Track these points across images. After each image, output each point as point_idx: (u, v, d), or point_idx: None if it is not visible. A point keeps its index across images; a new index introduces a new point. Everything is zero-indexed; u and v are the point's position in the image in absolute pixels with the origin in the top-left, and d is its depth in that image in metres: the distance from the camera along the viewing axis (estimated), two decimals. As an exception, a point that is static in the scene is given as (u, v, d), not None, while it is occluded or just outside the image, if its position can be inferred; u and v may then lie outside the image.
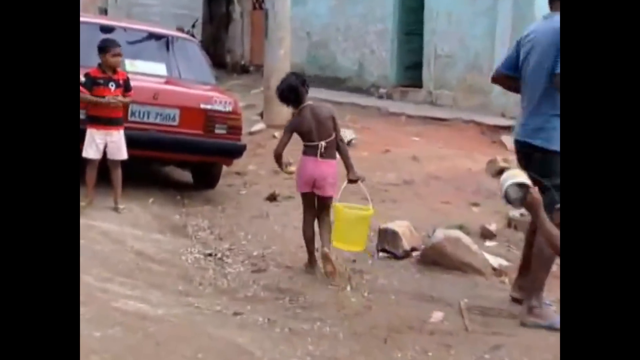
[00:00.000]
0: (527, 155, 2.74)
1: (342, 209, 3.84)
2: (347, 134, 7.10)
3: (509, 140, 7.48)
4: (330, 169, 3.86)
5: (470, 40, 8.94)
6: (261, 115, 8.16)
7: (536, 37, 2.73)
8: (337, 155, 3.85)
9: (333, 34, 11.65)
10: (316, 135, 3.83)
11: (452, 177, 5.61)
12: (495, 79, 3.14)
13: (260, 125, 7.76)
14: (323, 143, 3.81)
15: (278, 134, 7.65)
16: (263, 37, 8.35)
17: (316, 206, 3.84)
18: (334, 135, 3.85)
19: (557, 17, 2.59)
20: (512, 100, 8.27)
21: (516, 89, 2.99)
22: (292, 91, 3.92)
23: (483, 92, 8.72)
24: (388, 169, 5.95)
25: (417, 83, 10.19)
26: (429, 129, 8.26)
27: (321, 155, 3.81)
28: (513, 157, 6.15)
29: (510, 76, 2.95)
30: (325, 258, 3.71)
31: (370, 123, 8.52)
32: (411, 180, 5.61)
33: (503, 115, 8.44)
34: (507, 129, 7.82)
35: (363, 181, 3.91)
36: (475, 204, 5.09)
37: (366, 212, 3.87)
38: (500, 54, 8.40)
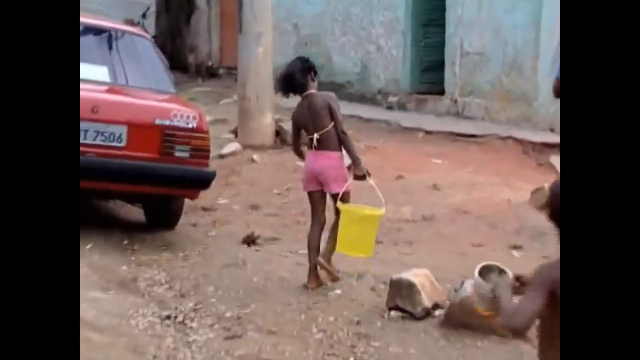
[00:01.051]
0: None
1: (345, 208, 4.34)
2: (345, 157, 7.23)
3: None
4: (328, 161, 4.43)
5: (507, 32, 9.17)
6: (235, 132, 8.26)
7: None
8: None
9: (328, 26, 11.92)
10: (312, 127, 4.45)
11: (486, 212, 5.71)
12: (557, 91, 3.07)
13: (233, 146, 7.82)
14: (316, 135, 4.40)
15: (257, 156, 7.80)
16: (236, 32, 8.52)
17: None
18: (330, 126, 4.40)
19: None
20: (563, 110, 8.41)
21: None
22: (287, 79, 4.49)
23: (525, 99, 8.93)
24: (401, 201, 6.05)
25: (438, 89, 10.40)
26: (455, 149, 8.41)
27: (316, 148, 4.41)
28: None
29: None
30: (321, 267, 4.37)
31: (378, 141, 8.66)
32: (431, 216, 5.69)
33: (552, 130, 8.60)
34: (558, 147, 8.00)
35: (370, 176, 4.49)
36: (517, 247, 5.19)
37: (374, 211, 4.39)
38: (548, 49, 8.67)
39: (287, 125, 8.08)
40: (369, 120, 10.05)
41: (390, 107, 11.05)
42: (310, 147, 4.51)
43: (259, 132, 7.96)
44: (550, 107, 8.30)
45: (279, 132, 8.10)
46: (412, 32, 10.72)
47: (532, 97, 8.83)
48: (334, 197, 4.46)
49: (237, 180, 6.96)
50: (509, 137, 8.29)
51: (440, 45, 10.20)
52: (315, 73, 4.58)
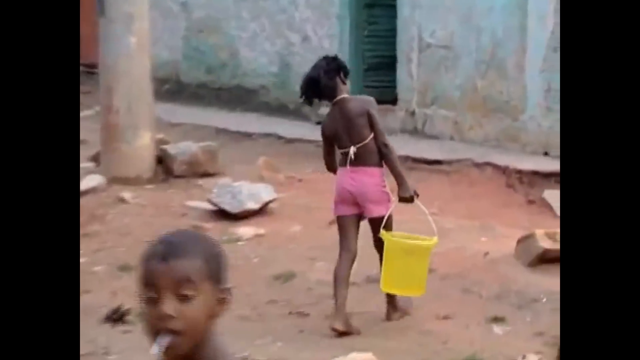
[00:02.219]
0: None
1: (390, 238, 4.95)
2: (261, 193, 7.26)
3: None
4: (369, 179, 5.05)
5: (482, 17, 9.39)
6: (96, 159, 8.14)
7: None
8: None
9: (231, 6, 11.98)
10: (347, 138, 5.08)
11: (456, 270, 5.77)
12: None
13: (94, 179, 7.67)
14: (353, 148, 5.01)
15: (129, 194, 7.66)
16: (95, 15, 8.45)
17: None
18: (369, 138, 5.03)
19: None
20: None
21: None
22: (312, 84, 5.14)
23: (509, 110, 9.15)
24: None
25: (389, 96, 10.55)
26: (413, 180, 8.45)
27: (352, 164, 5.03)
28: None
29: None
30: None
31: (303, 170, 8.68)
32: (378, 280, 5.73)
33: (546, 154, 8.82)
34: (556, 177, 8.16)
35: (418, 198, 5.15)
36: (498, 320, 5.23)
37: (426, 242, 5.03)
38: (538, 41, 8.95)
39: (175, 149, 8.04)
40: (291, 141, 10.10)
41: (321, 122, 11.14)
42: (343, 163, 5.11)
43: (132, 159, 7.84)
44: (543, 121, 8.53)
45: (161, 159, 8.02)
46: (352, 16, 10.89)
47: (518, 107, 9.04)
48: (375, 222, 5.08)
49: (100, 229, 6.83)
50: (487, 164, 8.43)
51: (391, 34, 10.39)
52: (346, 74, 5.21)
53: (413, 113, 10.17)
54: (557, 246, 5.56)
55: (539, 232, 5.70)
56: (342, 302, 5.01)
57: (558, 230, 5.77)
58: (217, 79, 11.88)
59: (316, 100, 5.31)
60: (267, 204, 7.07)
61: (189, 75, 12.25)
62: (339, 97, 5.13)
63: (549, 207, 7.38)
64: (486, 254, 5.98)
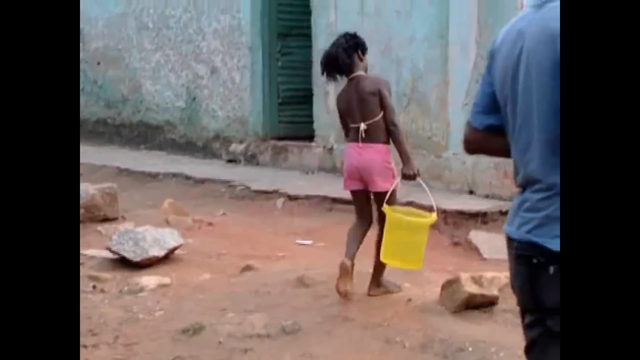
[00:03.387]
0: (532, 269, 2.89)
1: (392, 213, 5.57)
2: (167, 238, 7.19)
3: (488, 241, 7.84)
4: (376, 155, 5.73)
5: (402, 47, 9.61)
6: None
7: (524, 44, 2.89)
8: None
9: (133, 35, 11.93)
10: (358, 115, 5.77)
11: (377, 318, 5.79)
12: (471, 144, 3.13)
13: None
14: (363, 125, 5.72)
15: None
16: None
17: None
18: (379, 116, 5.71)
19: (556, 4, 2.77)
20: (487, 164, 8.87)
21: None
22: (330, 60, 5.87)
23: (431, 146, 9.30)
24: (250, 304, 6.05)
25: (306, 132, 10.63)
26: (332, 222, 8.50)
27: (362, 140, 5.73)
28: (499, 274, 6.55)
29: (495, 130, 3.00)
30: (343, 271, 5.75)
31: (214, 213, 8.65)
32: (296, 327, 5.72)
33: (471, 192, 9.04)
34: (483, 217, 8.36)
35: (420, 176, 5.78)
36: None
37: (425, 219, 5.68)
38: (461, 72, 9.12)
39: None
40: (200, 181, 10.08)
41: (233, 160, 11.16)
42: (354, 138, 5.80)
43: None
44: (467, 159, 8.67)
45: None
46: (264, 47, 10.97)
47: (441, 143, 9.20)
48: (379, 197, 5.80)
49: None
50: (410, 203, 8.50)
51: (307, 66, 10.48)
52: (364, 51, 5.87)
53: (331, 150, 10.26)
54: (483, 291, 5.64)
55: (464, 277, 5.72)
56: (349, 258, 5.81)
57: (484, 273, 5.86)
58: (118, 114, 11.83)
59: (338, 77, 5.97)
60: (173, 250, 7.01)
61: (86, 111, 12.15)
62: (354, 74, 5.82)
63: (475, 249, 7.49)
64: (409, 300, 6.02)
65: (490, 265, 6.81)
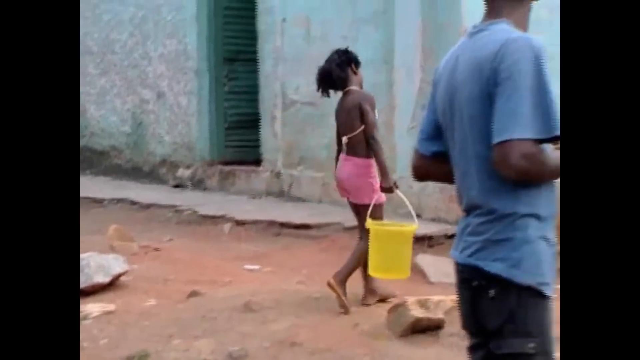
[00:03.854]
0: (473, 292, 2.84)
1: (374, 226, 5.75)
2: (111, 264, 7.14)
3: (434, 264, 7.90)
4: (353, 168, 6.04)
5: (347, 73, 9.65)
6: None
7: (457, 72, 2.92)
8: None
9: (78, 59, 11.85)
10: (343, 128, 6.13)
11: (324, 343, 5.79)
12: (419, 170, 3.15)
13: None
14: (345, 138, 6.08)
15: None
16: None
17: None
18: (359, 129, 6.00)
19: (492, 31, 2.82)
20: (433, 188, 8.91)
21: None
22: (324, 75, 6.15)
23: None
24: (196, 331, 6.02)
25: (253, 156, 10.64)
26: (279, 247, 8.52)
27: (345, 152, 6.10)
28: (445, 298, 6.58)
29: (441, 156, 3.01)
30: (330, 288, 6.04)
31: (160, 239, 8.60)
32: (243, 354, 5.69)
33: (418, 216, 8.97)
34: (429, 241, 8.42)
35: (398, 188, 6.04)
36: (370, 396, 5.30)
37: (406, 227, 5.87)
38: (404, 96, 9.19)
39: None
40: (146, 206, 10.03)
41: (180, 186, 11.12)
42: (342, 150, 6.13)
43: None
44: (414, 183, 8.70)
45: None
46: (210, 71, 10.98)
47: (388, 167, 9.23)
48: (358, 209, 6.11)
49: None
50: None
51: (253, 90, 10.51)
52: (357, 65, 6.17)
53: (279, 174, 10.27)
54: (429, 315, 5.66)
55: (411, 300, 5.75)
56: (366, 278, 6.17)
57: (430, 297, 5.89)
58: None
59: (332, 92, 6.24)
60: (118, 276, 6.96)
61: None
62: (348, 88, 6.13)
63: (421, 272, 7.52)
64: (356, 325, 6.03)
65: (437, 289, 6.85)
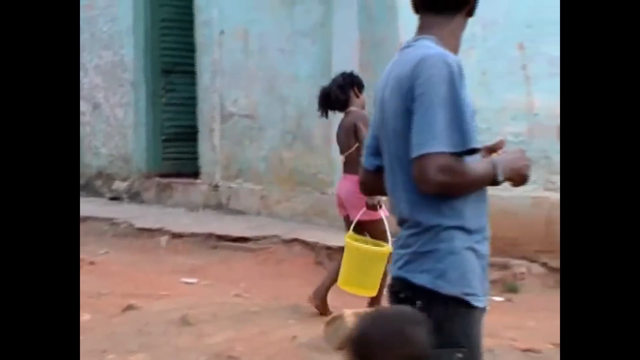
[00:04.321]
0: (401, 303, 2.86)
1: (350, 242, 5.91)
2: (46, 278, 7.08)
3: None
4: (349, 185, 6.12)
5: (287, 85, 9.70)
6: None
7: (387, 87, 2.98)
8: None
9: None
10: (341, 147, 6.36)
11: (262, 356, 5.80)
12: (364, 185, 3.23)
13: None
14: (342, 157, 6.35)
15: None
16: None
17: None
18: (354, 147, 6.15)
19: (416, 47, 2.87)
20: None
21: None
22: (322, 98, 6.39)
23: (317, 183, 9.39)
24: (131, 345, 5.98)
25: (191, 169, 10.60)
26: (217, 260, 8.49)
27: (343, 170, 6.35)
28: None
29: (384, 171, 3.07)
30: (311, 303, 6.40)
31: (96, 252, 8.52)
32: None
33: (356, 228, 9.13)
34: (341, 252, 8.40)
35: (382, 207, 6.03)
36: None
37: (379, 249, 5.87)
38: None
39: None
40: (82, 219, 9.90)
41: (116, 198, 11.03)
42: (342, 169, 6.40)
43: None
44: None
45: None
46: (147, 83, 10.91)
47: (326, 180, 9.27)
48: (366, 227, 6.12)
49: None
50: (295, 240, 8.57)
51: (191, 103, 10.47)
52: (360, 88, 6.34)
53: (217, 187, 10.25)
54: (367, 327, 5.68)
55: (348, 313, 5.76)
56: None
57: (367, 309, 5.91)
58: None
59: (330, 112, 6.47)
60: (52, 291, 6.88)
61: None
62: (348, 109, 6.31)
63: (360, 285, 7.55)
64: (294, 337, 6.04)
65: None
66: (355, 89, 6.33)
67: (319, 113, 6.53)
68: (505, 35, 8.20)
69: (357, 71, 8.65)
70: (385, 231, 6.08)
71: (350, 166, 6.20)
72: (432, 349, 2.68)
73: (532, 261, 7.89)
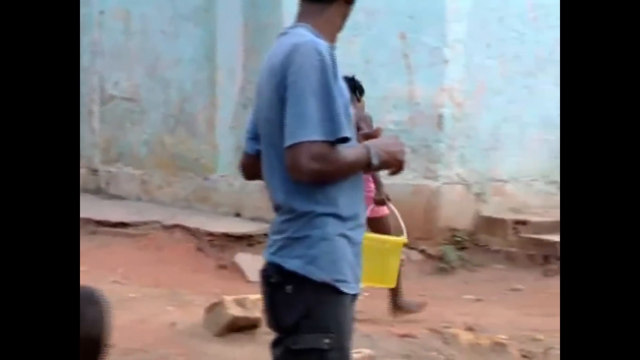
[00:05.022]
0: (272, 288, 2.91)
1: (365, 236, 5.52)
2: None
3: (253, 263, 7.71)
4: None
5: (169, 68, 9.61)
6: None
7: (263, 74, 3.01)
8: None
9: None
10: None
11: (139, 344, 5.74)
12: (245, 169, 3.24)
13: None
14: None
15: None
16: None
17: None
18: None
19: (291, 34, 2.87)
20: (254, 186, 8.89)
21: None
22: None
23: (199, 168, 9.36)
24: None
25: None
26: (95, 245, 8.33)
27: None
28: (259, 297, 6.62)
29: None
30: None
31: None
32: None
33: (238, 215, 9.10)
34: (249, 240, 8.46)
35: (390, 201, 6.35)
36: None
37: (395, 240, 6.16)
38: (228, 96, 9.18)
39: None
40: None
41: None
42: None
43: None
44: (234, 181, 8.76)
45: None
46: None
47: (209, 165, 9.26)
48: (373, 224, 6.19)
49: None
50: (176, 226, 8.53)
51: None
52: (361, 93, 6.52)
53: (96, 171, 10.11)
54: (247, 313, 5.70)
55: (228, 299, 5.77)
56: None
57: (248, 296, 5.93)
58: None
59: None
60: None
61: None
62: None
63: (240, 271, 7.58)
64: (173, 324, 6.02)
65: (255, 288, 6.88)
66: (357, 93, 6.49)
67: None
68: (387, 24, 8.32)
69: (242, 57, 8.71)
70: (388, 226, 6.42)
71: None
72: (301, 334, 2.77)
73: (411, 248, 8.03)
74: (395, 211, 6.39)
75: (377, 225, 6.33)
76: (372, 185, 6.41)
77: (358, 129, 6.18)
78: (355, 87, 6.48)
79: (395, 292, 6.51)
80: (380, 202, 6.38)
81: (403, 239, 6.22)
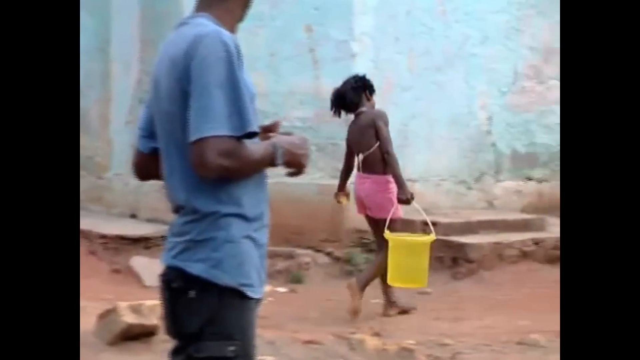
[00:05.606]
0: (173, 294, 2.86)
1: (393, 238, 6.25)
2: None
3: (150, 266, 7.71)
4: (373, 185, 6.55)
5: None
6: None
7: (161, 66, 2.92)
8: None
9: None
10: (358, 147, 6.65)
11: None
12: (139, 168, 3.16)
13: None
14: (360, 156, 6.62)
15: None
16: None
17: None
18: (375, 146, 6.52)
19: (191, 25, 2.83)
20: (151, 186, 8.70)
21: None
22: (338, 97, 6.66)
23: (92, 167, 9.11)
24: None
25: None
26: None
27: (362, 170, 6.65)
28: (160, 302, 6.45)
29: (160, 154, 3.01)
30: (350, 289, 6.58)
31: None
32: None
33: (134, 216, 8.95)
34: (145, 242, 8.23)
35: (414, 200, 6.45)
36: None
37: (423, 238, 6.31)
38: (121, 88, 8.95)
39: None
40: None
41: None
42: (358, 169, 6.67)
43: None
44: (131, 180, 8.53)
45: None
46: None
47: (103, 163, 9.07)
48: (377, 223, 6.53)
49: None
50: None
51: None
52: (372, 92, 6.70)
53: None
54: (143, 320, 5.52)
55: (122, 305, 5.59)
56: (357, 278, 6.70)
57: (144, 302, 5.74)
58: None
59: (343, 113, 6.71)
60: None
61: None
62: (359, 110, 6.60)
63: (135, 276, 7.40)
64: (61, 333, 5.80)
65: (152, 293, 6.70)
66: (367, 92, 6.66)
67: (331, 112, 6.74)
68: (293, 15, 8.19)
69: (138, 49, 8.48)
70: (399, 227, 6.52)
71: (370, 166, 6.55)
72: (205, 341, 2.71)
73: (318, 250, 7.96)
74: (420, 209, 6.44)
75: (394, 226, 6.41)
76: (392, 186, 6.50)
77: (376, 128, 6.51)
78: (366, 86, 6.65)
79: (390, 291, 6.64)
80: (406, 201, 6.46)
81: (432, 236, 6.25)
